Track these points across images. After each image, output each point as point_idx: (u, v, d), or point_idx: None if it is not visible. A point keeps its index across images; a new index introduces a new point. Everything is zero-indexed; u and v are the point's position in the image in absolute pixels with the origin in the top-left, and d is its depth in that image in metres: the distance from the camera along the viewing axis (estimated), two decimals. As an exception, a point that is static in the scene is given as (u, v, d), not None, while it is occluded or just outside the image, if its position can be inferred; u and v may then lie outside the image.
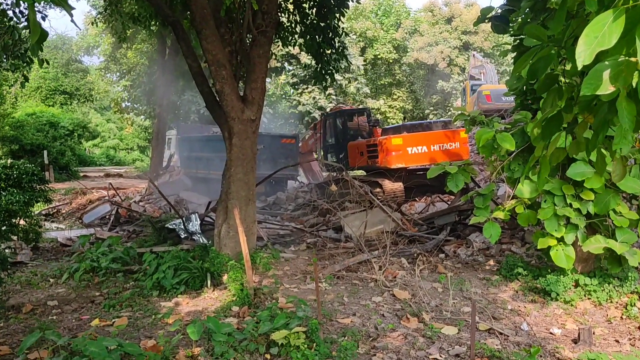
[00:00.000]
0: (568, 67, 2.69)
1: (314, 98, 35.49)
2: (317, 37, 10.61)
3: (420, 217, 10.74)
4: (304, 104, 35.32)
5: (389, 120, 44.44)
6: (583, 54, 1.93)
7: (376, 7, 49.40)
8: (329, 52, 10.94)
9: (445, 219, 9.84)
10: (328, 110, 29.92)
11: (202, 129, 25.39)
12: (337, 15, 10.38)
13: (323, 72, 11.21)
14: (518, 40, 5.76)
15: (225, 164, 8.31)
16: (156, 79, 23.48)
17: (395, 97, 46.49)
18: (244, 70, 8.59)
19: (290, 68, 37.23)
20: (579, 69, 1.96)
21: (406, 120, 44.44)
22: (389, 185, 13.49)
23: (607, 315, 6.01)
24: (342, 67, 11.87)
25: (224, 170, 8.49)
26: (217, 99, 8.04)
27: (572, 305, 6.26)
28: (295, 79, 36.70)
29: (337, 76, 31.26)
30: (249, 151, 8.11)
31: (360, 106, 36.88)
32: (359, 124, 16.71)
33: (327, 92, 34.90)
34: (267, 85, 44.11)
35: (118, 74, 33.35)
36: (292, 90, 36.29)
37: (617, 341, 5.42)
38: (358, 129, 16.59)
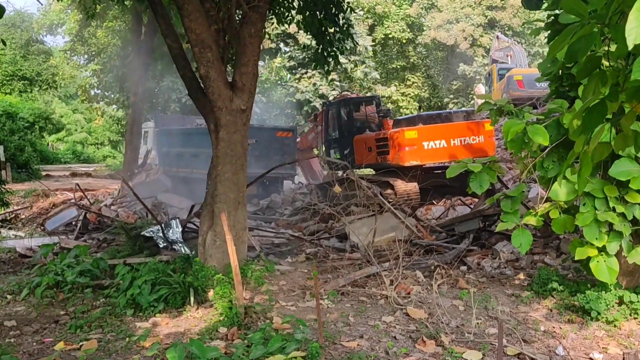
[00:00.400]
0: (613, 48, 2.66)
1: (314, 85, 35.44)
2: (317, 13, 10.60)
3: (438, 224, 10.78)
4: (302, 92, 35.27)
5: (401, 110, 44.30)
6: (634, 32, 1.90)
7: (387, -22, 49.75)
8: (331, 30, 10.92)
9: (467, 225, 9.83)
10: (331, 98, 29.93)
11: (184, 120, 25.43)
12: (342, -14, 10.38)
13: (325, 54, 11.19)
14: (553, 17, 5.75)
15: (211, 162, 8.32)
16: (130, 62, 23.47)
17: (409, 83, 46.41)
18: (233, 52, 8.59)
19: (287, 49, 37.20)
20: (629, 49, 1.92)
21: (422, 110, 44.44)
22: (401, 185, 13.56)
23: (657, 337, 6.12)
24: (347, 48, 11.90)
25: (209, 168, 8.48)
26: (202, 85, 8.06)
27: (615, 325, 6.23)
28: (292, 63, 36.61)
29: (341, 59, 31.16)
30: (238, 146, 8.12)
31: (369, 94, 36.91)
32: (366, 115, 16.77)
33: (329, 78, 34.87)
34: (260, 69, 43.97)
35: (86, 56, 33.37)
36: (288, 76, 36.26)
37: (668, 368, 5.54)
38: (366, 120, 16.65)
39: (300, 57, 36.37)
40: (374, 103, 17.18)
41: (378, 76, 41.68)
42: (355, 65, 37.33)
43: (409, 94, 45.95)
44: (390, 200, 12.83)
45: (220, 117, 8.00)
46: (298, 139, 20.87)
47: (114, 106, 36.43)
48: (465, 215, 10.12)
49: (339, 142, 16.83)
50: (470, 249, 9.31)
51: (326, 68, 11.38)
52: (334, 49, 11.09)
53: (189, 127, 22.38)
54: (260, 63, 40.24)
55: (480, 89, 30.78)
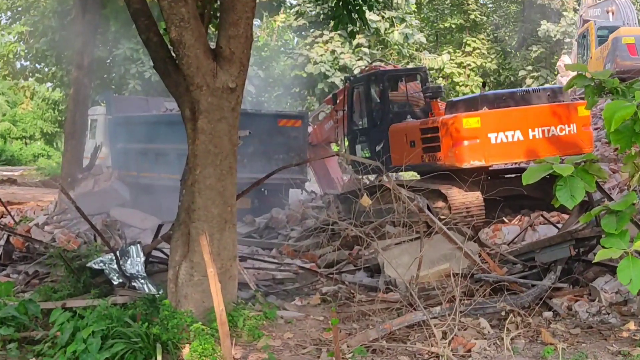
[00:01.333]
0: None
1: (332, 52, 35.43)
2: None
3: (511, 250, 10.73)
4: (316, 63, 35.27)
5: (458, 88, 44.35)
6: None
7: None
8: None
9: (553, 253, 9.72)
10: (356, 72, 29.83)
11: (147, 104, 25.40)
12: None
13: (348, 8, 11.19)
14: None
15: (186, 163, 8.36)
16: (72, 21, 23.60)
17: (468, 49, 46.51)
18: (217, 6, 8.62)
19: (294, 2, 37.32)
20: None
21: (487, 87, 44.08)
22: (458, 196, 13.60)
23: None
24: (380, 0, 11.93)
25: (183, 172, 8.52)
26: (173, 54, 8.16)
27: None
28: (301, 21, 36.71)
29: (370, 15, 31.24)
30: (225, 141, 8.16)
31: (411, 65, 36.82)
32: (407, 95, 16.75)
33: (354, 43, 34.86)
34: (256, 31, 44.25)
35: (9, 14, 33.66)
36: (296, 40, 36.34)
37: None
38: (407, 102, 16.65)
39: (313, 13, 36.39)
40: (419, 78, 17.06)
41: (424, 40, 41.65)
42: (392, 25, 37.34)
43: (469, 64, 45.98)
44: (443, 217, 12.87)
45: (199, 99, 8.03)
46: (310, 129, 20.79)
47: (49, 84, 36.66)
48: (551, 239, 9.98)
49: (368, 134, 16.87)
50: (558, 286, 9.17)
51: (350, 29, 11.40)
52: (361, 1, 11.10)
53: (155, 113, 22.45)
54: (256, 22, 40.41)
55: (565, 59, 30.54)
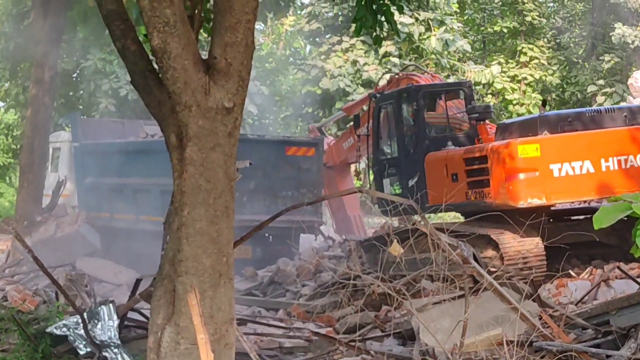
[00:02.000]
0: None
1: (354, 63, 35.53)
2: None
3: (579, 312, 10.69)
4: (334, 76, 35.34)
5: (512, 107, 44.40)
6: None
7: None
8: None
9: (633, 315, 9.67)
10: (382, 83, 29.97)
11: (123, 128, 25.46)
12: None
13: (372, 8, 11.25)
14: None
15: (171, 202, 8.34)
16: (30, 27, 23.75)
17: (524, 58, 46.55)
18: (210, 7, 8.68)
19: (306, 1, 37.55)
20: None
21: (548, 107, 43.97)
22: (513, 243, 13.56)
23: None
24: (413, -2, 11.98)
25: (167, 213, 8.52)
26: (155, 66, 8.12)
27: None
28: (315, 25, 36.92)
29: (401, 17, 31.38)
30: (219, 174, 8.04)
31: (452, 78, 36.85)
32: (448, 116, 16.89)
33: (381, 52, 35.00)
34: (259, 37, 44.11)
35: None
36: (308, 48, 36.41)
37: None
38: (447, 125, 16.81)
39: (330, 14, 36.60)
40: (462, 95, 17.16)
41: (469, 47, 41.66)
42: (428, 29, 37.48)
43: (525, 78, 45.84)
44: (493, 269, 12.67)
45: (187, 121, 7.95)
46: (325, 147, 21.00)
47: (1, 104, 36.88)
48: (630, 297, 9.93)
49: (399, 165, 16.95)
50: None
51: (374, 34, 11.43)
52: (388, 0, 11.14)
53: (133, 139, 22.59)
54: (259, 26, 40.51)
55: (637, 76, 30.42)
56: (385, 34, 11.56)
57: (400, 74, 20.23)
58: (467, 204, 14.95)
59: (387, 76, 22.32)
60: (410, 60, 36.67)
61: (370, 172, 17.66)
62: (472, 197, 14.72)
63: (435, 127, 16.85)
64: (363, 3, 11.21)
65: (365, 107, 19.71)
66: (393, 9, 11.44)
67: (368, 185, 17.79)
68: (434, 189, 15.42)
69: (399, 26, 11.78)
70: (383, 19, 11.53)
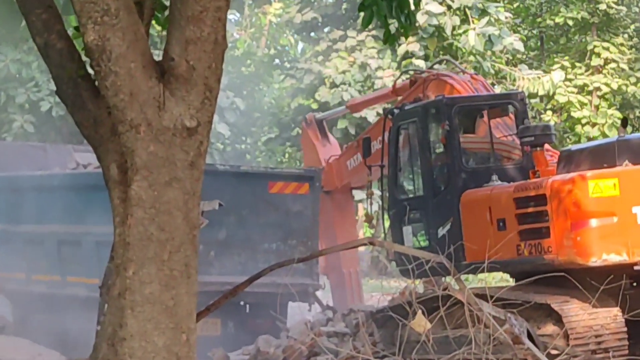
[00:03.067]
0: None
1: (363, 67, 35.75)
2: None
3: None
4: (335, 84, 35.50)
5: (580, 129, 45.23)
6: None
7: None
8: None
9: None
10: (401, 87, 30.01)
11: (45, 155, 26.11)
12: None
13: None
14: None
15: (111, 257, 8.35)
16: None
17: (596, 61, 47.43)
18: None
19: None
20: None
21: (631, 127, 44.17)
22: (582, 316, 13.34)
23: None
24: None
25: (105, 273, 8.53)
26: (90, 70, 8.12)
27: None
28: (310, 14, 37.19)
29: (427, 4, 31.55)
30: (178, 220, 8.00)
31: (498, 89, 37.02)
32: (492, 140, 16.89)
33: (400, 52, 35.15)
34: (232, 31, 44.85)
35: None
36: (301, 47, 36.67)
37: None
38: (490, 151, 16.82)
39: (330, 0, 36.93)
40: (512, 110, 17.19)
41: (521, 46, 41.66)
42: (465, 21, 37.72)
43: (598, 88, 46.54)
44: (556, 351, 12.76)
45: (134, 147, 7.89)
46: (322, 163, 21.42)
47: None
48: None
49: (424, 207, 16.69)
50: None
51: (387, 30, 11.49)
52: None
53: (59, 171, 22.60)
54: (233, 16, 40.74)
55: None
56: (401, 28, 11.53)
57: (428, 73, 20.28)
58: (519, 261, 14.56)
59: (407, 75, 22.38)
60: (441, 63, 35.36)
61: (386, 216, 17.66)
62: (525, 252, 14.34)
63: (475, 156, 16.80)
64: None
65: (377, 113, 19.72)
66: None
67: (382, 235, 17.79)
68: (473, 240, 15.11)
69: (424, 16, 11.78)
70: (400, 11, 11.55)
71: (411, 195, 16.74)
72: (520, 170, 15.69)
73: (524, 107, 16.83)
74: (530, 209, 13.94)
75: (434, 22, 33.37)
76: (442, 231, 15.63)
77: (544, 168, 15.12)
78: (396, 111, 17.75)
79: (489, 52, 36.48)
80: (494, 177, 15.41)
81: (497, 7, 37.00)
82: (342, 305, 19.74)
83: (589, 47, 45.05)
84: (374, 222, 19.20)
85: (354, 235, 20.06)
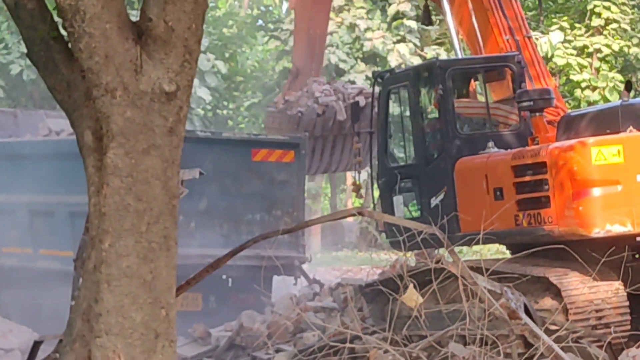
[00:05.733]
0: None
1: (351, 28, 35.66)
2: None
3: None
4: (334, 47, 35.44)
5: (580, 92, 45.56)
6: None
7: None
8: None
9: None
10: (394, 64, 29.87)
11: (15, 121, 26.20)
12: None
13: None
14: None
15: (86, 229, 8.34)
16: None
17: (597, 21, 47.88)
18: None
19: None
20: None
21: (634, 91, 44.11)
22: (582, 289, 13.51)
23: None
24: None
25: (80, 245, 8.51)
26: (62, 31, 8.11)
27: None
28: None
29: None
30: (156, 189, 8.02)
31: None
32: (488, 105, 17.09)
33: (390, 12, 35.15)
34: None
35: None
36: (285, 6, 36.59)
37: None
38: (486, 117, 16.95)
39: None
40: (508, 74, 17.39)
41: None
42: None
43: (599, 50, 46.82)
44: (554, 327, 12.80)
45: (110, 112, 7.91)
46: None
47: None
48: None
49: (416, 176, 16.83)
50: None
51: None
52: None
53: (30, 138, 22.94)
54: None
55: None
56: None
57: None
58: (517, 232, 14.64)
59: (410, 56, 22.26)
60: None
61: (375, 185, 17.63)
62: (524, 223, 14.37)
63: (470, 121, 16.86)
64: None
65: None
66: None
67: (371, 205, 17.76)
68: (468, 210, 15.14)
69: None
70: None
71: (402, 163, 16.71)
72: (518, 137, 15.61)
73: (521, 70, 16.71)
74: (529, 178, 13.94)
75: (426, -19, 33.10)
76: (435, 201, 15.62)
77: (543, 135, 15.07)
78: (386, 75, 17.54)
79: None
80: (490, 143, 15.41)
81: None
82: None
83: (589, 7, 45.05)
84: (362, 191, 19.13)
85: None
